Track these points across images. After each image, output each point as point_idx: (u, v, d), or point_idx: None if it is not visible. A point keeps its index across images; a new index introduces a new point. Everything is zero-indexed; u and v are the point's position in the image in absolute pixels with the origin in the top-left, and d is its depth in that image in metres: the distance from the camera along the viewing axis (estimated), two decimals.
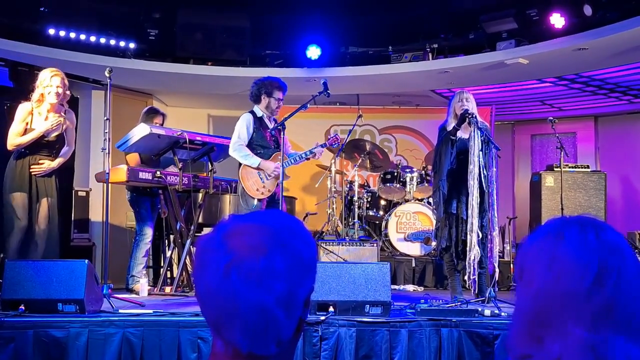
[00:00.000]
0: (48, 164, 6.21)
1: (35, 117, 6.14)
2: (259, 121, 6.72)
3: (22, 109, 6.16)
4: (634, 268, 1.29)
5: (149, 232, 7.20)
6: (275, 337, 1.28)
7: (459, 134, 6.24)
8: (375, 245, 8.09)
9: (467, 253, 6.01)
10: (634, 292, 1.27)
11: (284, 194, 6.66)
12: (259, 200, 6.61)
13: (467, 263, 6.02)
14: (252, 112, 6.78)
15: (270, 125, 6.82)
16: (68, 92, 6.32)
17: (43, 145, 6.19)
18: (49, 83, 6.12)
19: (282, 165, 6.40)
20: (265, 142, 6.72)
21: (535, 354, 1.31)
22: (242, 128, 6.69)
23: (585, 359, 1.25)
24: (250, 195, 6.62)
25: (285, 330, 1.29)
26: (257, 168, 6.59)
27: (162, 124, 7.28)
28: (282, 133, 6.45)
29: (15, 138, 6.10)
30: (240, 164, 6.70)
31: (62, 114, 6.26)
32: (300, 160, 6.89)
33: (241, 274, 1.24)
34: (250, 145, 6.68)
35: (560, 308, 1.28)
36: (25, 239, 6.07)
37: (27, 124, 6.11)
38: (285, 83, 6.91)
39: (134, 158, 7.22)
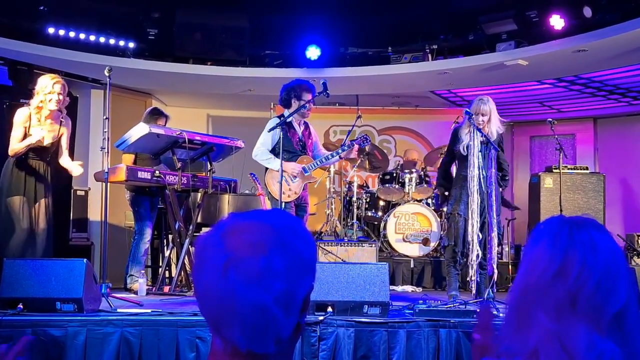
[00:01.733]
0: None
1: (33, 121, 6.14)
2: (286, 126, 6.66)
3: (21, 113, 6.15)
4: (604, 263, 1.32)
5: (148, 232, 7.19)
6: (274, 336, 1.27)
7: (467, 138, 6.28)
8: (373, 245, 8.09)
9: (469, 254, 6.03)
10: (602, 285, 1.30)
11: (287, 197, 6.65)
12: (287, 202, 6.63)
13: (468, 264, 6.03)
14: (281, 117, 6.78)
15: (299, 129, 6.82)
16: (67, 98, 6.33)
17: (38, 150, 6.19)
18: (52, 90, 6.11)
19: (282, 165, 6.40)
20: (291, 146, 6.71)
21: (518, 349, 1.35)
22: (267, 133, 6.70)
23: (554, 349, 1.29)
24: (277, 199, 6.64)
25: (284, 329, 1.29)
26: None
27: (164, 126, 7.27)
28: (305, 131, 6.45)
29: (15, 143, 6.11)
30: (266, 169, 6.74)
31: (61, 120, 6.28)
32: (330, 161, 6.94)
33: (240, 272, 1.24)
34: (276, 149, 6.69)
35: (531, 301, 1.33)
36: (26, 240, 6.09)
37: (25, 128, 6.12)
38: (313, 84, 6.90)
39: (129, 158, 7.19)
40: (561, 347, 1.28)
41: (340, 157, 7.04)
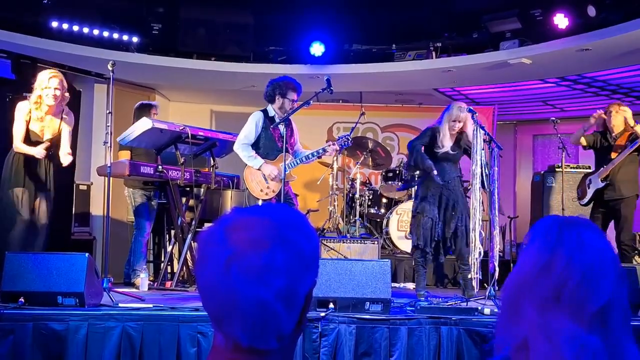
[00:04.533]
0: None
1: (33, 116, 6.14)
2: (269, 120, 6.62)
3: (21, 107, 6.15)
4: (589, 261, 1.36)
5: (146, 227, 7.20)
6: (275, 332, 1.28)
7: (448, 143, 6.36)
8: (376, 242, 8.09)
9: (471, 252, 6.04)
10: (586, 280, 1.35)
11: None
12: (264, 201, 6.56)
13: (471, 262, 6.05)
14: (264, 111, 6.72)
15: (282, 126, 6.76)
16: (67, 94, 6.31)
17: (38, 145, 6.18)
18: (47, 85, 6.10)
19: (285, 164, 6.38)
20: (273, 142, 6.63)
21: (509, 341, 1.41)
22: (251, 127, 6.62)
23: (541, 340, 1.34)
24: (254, 196, 6.58)
25: (285, 325, 1.29)
26: (259, 169, 6.55)
27: (157, 114, 7.28)
28: (288, 129, 6.43)
29: (17, 141, 6.12)
30: (246, 164, 6.68)
31: (62, 116, 6.27)
32: (310, 159, 6.83)
33: (241, 268, 1.24)
34: (257, 144, 6.64)
35: (521, 295, 1.40)
36: (26, 233, 6.10)
37: (26, 122, 6.12)
38: (300, 83, 6.83)
39: (125, 154, 7.13)
40: (546, 338, 1.33)
41: (320, 157, 6.98)
